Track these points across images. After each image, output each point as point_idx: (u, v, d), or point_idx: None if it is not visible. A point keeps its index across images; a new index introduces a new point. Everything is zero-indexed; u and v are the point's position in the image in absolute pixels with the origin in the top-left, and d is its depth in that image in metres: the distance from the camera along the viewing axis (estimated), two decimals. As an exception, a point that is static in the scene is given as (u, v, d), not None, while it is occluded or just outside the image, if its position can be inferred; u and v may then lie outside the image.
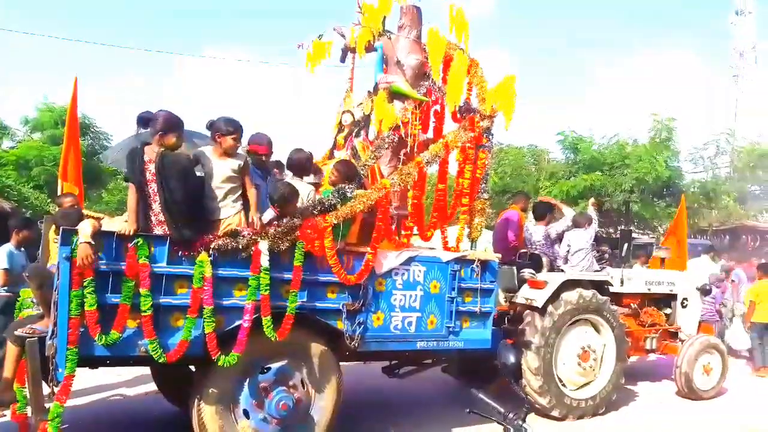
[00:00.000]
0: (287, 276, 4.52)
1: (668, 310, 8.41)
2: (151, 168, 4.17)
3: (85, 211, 5.28)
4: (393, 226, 5.83)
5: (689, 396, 7.70)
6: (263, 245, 4.30)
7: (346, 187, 4.81)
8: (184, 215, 4.19)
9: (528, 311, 6.62)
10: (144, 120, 4.53)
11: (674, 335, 8.33)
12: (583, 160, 19.43)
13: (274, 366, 4.68)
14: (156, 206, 4.17)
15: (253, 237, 4.32)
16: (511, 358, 3.00)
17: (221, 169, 4.47)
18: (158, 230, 4.17)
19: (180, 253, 4.18)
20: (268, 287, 4.32)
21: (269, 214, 4.59)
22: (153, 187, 4.17)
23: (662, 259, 8.86)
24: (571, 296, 6.55)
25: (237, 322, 4.32)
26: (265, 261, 4.28)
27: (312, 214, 4.60)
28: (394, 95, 5.69)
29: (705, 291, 8.54)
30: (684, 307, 8.40)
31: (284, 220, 4.49)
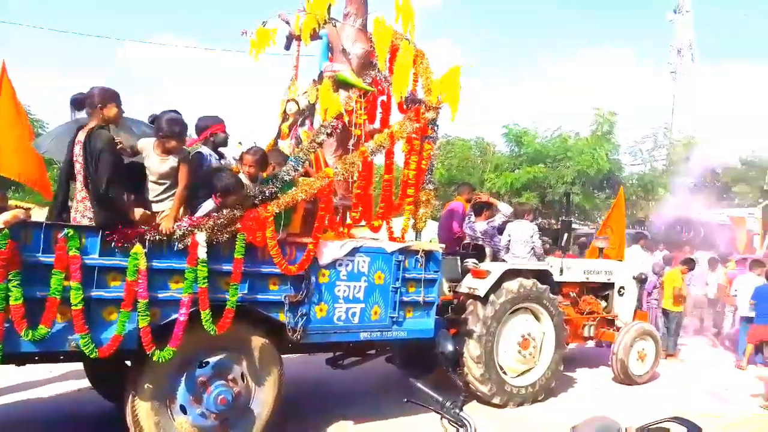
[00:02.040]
0: (227, 268, 4.42)
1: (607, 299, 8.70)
2: (77, 150, 4.03)
3: (13, 202, 5.04)
4: (338, 217, 5.81)
5: (625, 381, 7.98)
6: (200, 237, 4.19)
7: (283, 171, 4.73)
8: (107, 196, 4.02)
9: (471, 300, 6.70)
10: (78, 101, 4.36)
11: (611, 323, 8.60)
12: (527, 153, 19.82)
13: (213, 360, 4.58)
14: (82, 193, 4.03)
15: (190, 228, 4.19)
16: (449, 347, 3.01)
17: (161, 167, 4.40)
18: (85, 220, 4.02)
19: (113, 244, 4.03)
20: (205, 280, 4.22)
21: (209, 204, 4.46)
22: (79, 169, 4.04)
23: (600, 249, 9.13)
24: (511, 285, 6.67)
25: (173, 316, 4.20)
26: (202, 253, 4.18)
27: (253, 205, 4.50)
28: (340, 84, 5.61)
29: (641, 280, 8.84)
30: (621, 295, 8.69)
31: (225, 211, 4.39)
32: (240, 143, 5.37)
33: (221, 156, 5.18)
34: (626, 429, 3.15)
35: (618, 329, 8.35)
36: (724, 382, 8.40)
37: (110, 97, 4.25)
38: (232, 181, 4.49)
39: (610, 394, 7.62)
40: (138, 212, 4.36)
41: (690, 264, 10.44)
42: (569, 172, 18.59)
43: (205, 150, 4.90)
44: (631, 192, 20.45)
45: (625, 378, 7.95)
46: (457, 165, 21.71)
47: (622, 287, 8.69)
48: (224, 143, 5.16)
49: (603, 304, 8.66)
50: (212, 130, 5.06)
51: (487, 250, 7.49)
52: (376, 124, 6.20)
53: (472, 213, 7.83)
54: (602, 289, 8.70)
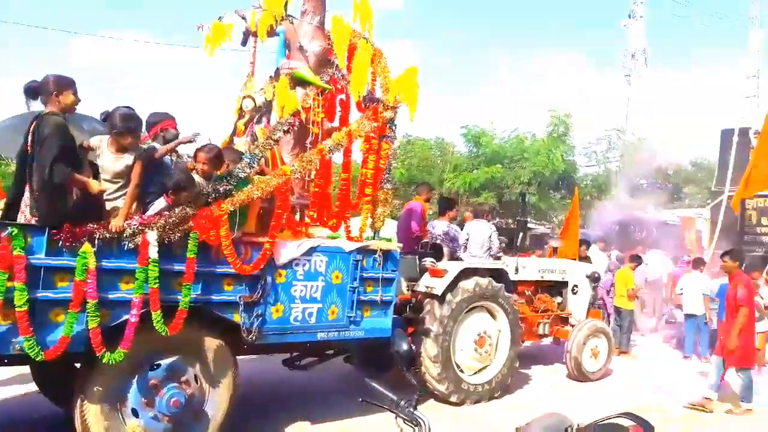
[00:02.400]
0: (180, 268, 4.33)
1: (560, 297, 8.86)
2: (30, 139, 3.90)
3: None
4: (296, 215, 5.77)
5: (579, 378, 8.14)
6: (151, 236, 4.09)
7: (238, 168, 4.66)
8: (50, 184, 3.86)
9: (428, 299, 6.73)
10: (32, 90, 4.18)
11: (565, 320, 8.77)
12: (485, 154, 20.07)
13: (165, 362, 4.48)
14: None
15: (141, 227, 4.09)
16: (404, 346, 3.01)
17: (115, 165, 4.29)
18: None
19: (61, 243, 3.90)
20: (157, 280, 4.13)
21: (161, 203, 4.37)
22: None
23: (554, 248, 9.30)
24: (468, 284, 6.73)
25: (124, 317, 4.09)
26: (153, 252, 4.09)
27: (207, 203, 4.42)
28: (297, 82, 5.56)
29: (594, 278, 9.04)
30: (574, 293, 8.87)
31: (177, 210, 4.30)
32: (209, 139, 5.26)
33: (175, 153, 5.08)
34: (578, 425, 3.21)
35: (572, 326, 8.51)
36: (674, 378, 8.65)
37: (66, 84, 4.11)
38: (183, 177, 4.40)
39: (564, 391, 7.77)
40: (95, 185, 4.18)
41: (638, 261, 10.74)
42: (525, 172, 18.91)
43: (157, 147, 4.79)
44: (585, 192, 20.91)
45: (579, 375, 8.12)
46: (417, 164, 21.85)
47: (576, 286, 8.87)
48: (175, 140, 5.06)
49: (558, 301, 8.82)
50: (162, 125, 4.97)
51: (445, 250, 7.56)
52: (335, 123, 6.18)
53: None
54: (557, 288, 8.86)
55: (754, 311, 7.23)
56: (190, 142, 4.93)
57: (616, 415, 3.31)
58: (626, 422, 3.21)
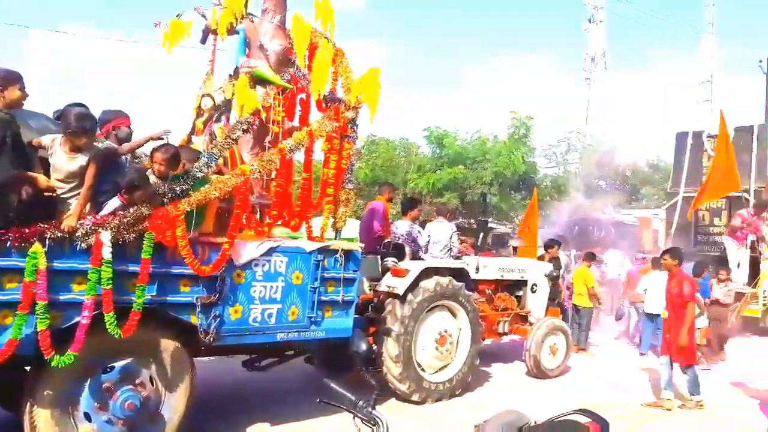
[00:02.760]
0: (134, 269, 4.25)
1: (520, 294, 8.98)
2: None
3: None
4: (256, 215, 5.71)
5: (538, 375, 8.26)
6: (105, 236, 4.00)
7: (195, 168, 4.59)
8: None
9: (390, 299, 6.75)
10: None
11: (525, 318, 8.89)
12: (447, 155, 20.24)
13: (119, 364, 4.39)
14: None
15: (94, 227, 4.00)
16: (363, 346, 3.02)
17: (69, 165, 4.16)
18: None
19: (8, 243, 3.78)
20: (110, 281, 4.03)
21: (115, 202, 4.27)
22: None
23: (514, 248, 9.42)
24: (428, 284, 6.77)
25: (76, 319, 3.99)
26: (106, 252, 3.99)
27: (162, 202, 4.34)
28: (257, 80, 5.51)
29: (553, 277, 9.19)
30: (533, 292, 9.00)
31: (132, 210, 4.21)
32: (167, 138, 5.15)
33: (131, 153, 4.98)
34: (534, 422, 3.26)
35: (531, 324, 8.64)
36: (630, 375, 8.85)
37: (13, 78, 3.98)
38: (137, 177, 4.31)
39: (523, 388, 7.88)
40: (43, 180, 4.08)
41: (593, 258, 10.99)
42: (487, 173, 19.14)
43: (112, 146, 4.68)
44: (545, 193, 21.27)
45: (538, 372, 8.24)
46: (382, 165, 21.90)
47: (535, 284, 9.01)
48: (128, 138, 4.97)
49: (517, 300, 8.94)
50: (115, 123, 4.86)
51: (407, 250, 7.57)
52: (295, 122, 6.14)
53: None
54: (516, 287, 8.98)
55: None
56: (160, 138, 4.84)
57: (571, 412, 3.37)
58: (582, 419, 3.27)
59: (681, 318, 6.97)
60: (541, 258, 9.86)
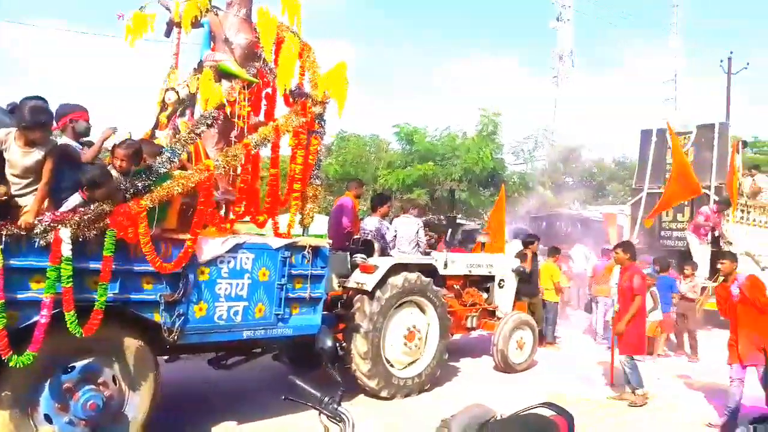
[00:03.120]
0: (96, 266, 4.15)
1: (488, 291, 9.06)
2: None
3: None
4: (221, 211, 5.63)
5: (505, 369, 8.34)
6: (64, 233, 3.89)
7: (157, 163, 4.50)
8: None
9: (358, 296, 6.74)
10: None
11: (492, 313, 8.96)
12: (417, 151, 20.29)
13: (80, 364, 4.30)
14: None
15: (53, 224, 3.89)
16: (329, 343, 3.00)
17: (24, 160, 4.04)
18: None
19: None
20: (70, 279, 3.93)
21: (75, 199, 4.17)
22: None
23: (482, 244, 9.49)
24: (397, 280, 6.77)
25: (34, 318, 3.88)
26: (66, 250, 3.89)
27: (124, 199, 4.25)
28: (222, 74, 5.42)
29: (519, 272, 9.28)
30: (501, 287, 9.09)
31: (93, 206, 4.11)
32: (129, 134, 5.04)
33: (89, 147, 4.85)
34: (501, 415, 3.29)
35: (499, 319, 8.71)
36: (597, 368, 8.99)
37: None
38: (99, 173, 4.21)
39: (491, 382, 7.95)
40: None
41: (557, 252, 11.13)
42: (456, 169, 19.24)
43: (65, 140, 4.56)
44: (513, 190, 21.49)
45: (506, 366, 8.32)
46: (352, 161, 21.86)
47: (502, 279, 9.09)
48: (86, 133, 4.85)
49: (485, 295, 9.01)
50: (72, 116, 4.73)
51: (376, 245, 7.56)
52: (261, 117, 6.06)
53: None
54: (484, 282, 9.05)
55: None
56: (109, 137, 4.73)
57: (537, 405, 3.42)
58: (547, 412, 3.32)
59: (626, 310, 7.09)
60: (522, 255, 9.88)
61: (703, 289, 12.23)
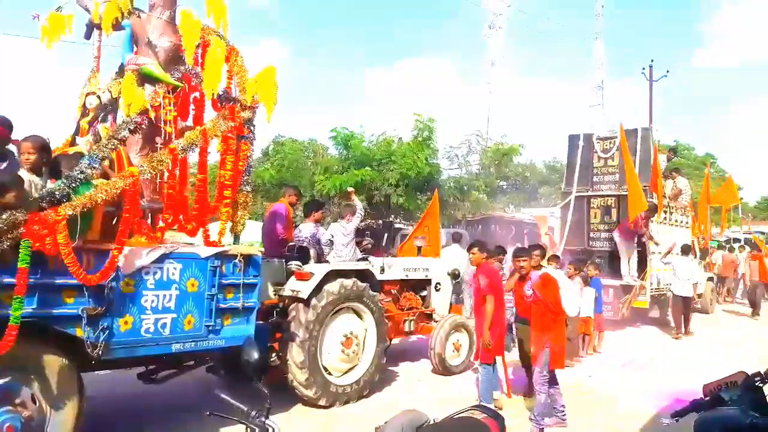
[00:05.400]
0: (10, 280, 3.91)
1: (425, 293, 9.11)
2: None
3: None
4: (148, 220, 5.44)
5: (443, 372, 8.40)
6: (-29, 245, 3.65)
7: (76, 170, 4.29)
8: None
9: (294, 304, 6.64)
10: None
11: (430, 317, 9.03)
12: (354, 156, 20.28)
13: (-5, 383, 4.03)
14: None
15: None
16: (254, 355, 2.92)
17: None
18: None
19: None
20: (-20, 293, 3.70)
21: (-16, 208, 3.92)
22: None
23: (419, 248, 9.55)
24: (333, 287, 6.71)
25: (-59, 337, 3.63)
26: (-26, 263, 3.65)
27: (40, 207, 4.02)
28: (145, 78, 5.25)
29: (455, 275, 9.39)
30: (437, 290, 9.16)
31: (4, 215, 3.87)
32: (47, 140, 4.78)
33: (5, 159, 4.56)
34: (434, 420, 3.31)
35: (436, 322, 8.78)
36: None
37: None
38: (8, 178, 3.97)
39: (429, 385, 7.99)
40: None
41: (502, 252, 11.27)
42: (393, 174, 19.34)
43: None
44: (448, 194, 21.79)
45: (443, 369, 8.38)
46: (288, 166, 21.64)
47: (439, 283, 9.17)
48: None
49: (422, 298, 9.06)
50: None
51: (312, 252, 7.49)
52: (190, 122, 5.90)
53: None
54: (420, 285, 9.10)
55: (502, 300, 6.91)
56: None
57: (468, 408, 3.46)
58: (479, 414, 3.37)
59: (482, 314, 6.74)
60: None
61: (632, 287, 12.76)
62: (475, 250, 7.01)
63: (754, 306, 16.78)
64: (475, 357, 6.82)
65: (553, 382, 6.27)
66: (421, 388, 7.80)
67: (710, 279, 16.93)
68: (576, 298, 6.84)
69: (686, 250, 13.39)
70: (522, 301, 6.67)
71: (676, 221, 14.77)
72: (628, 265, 13.04)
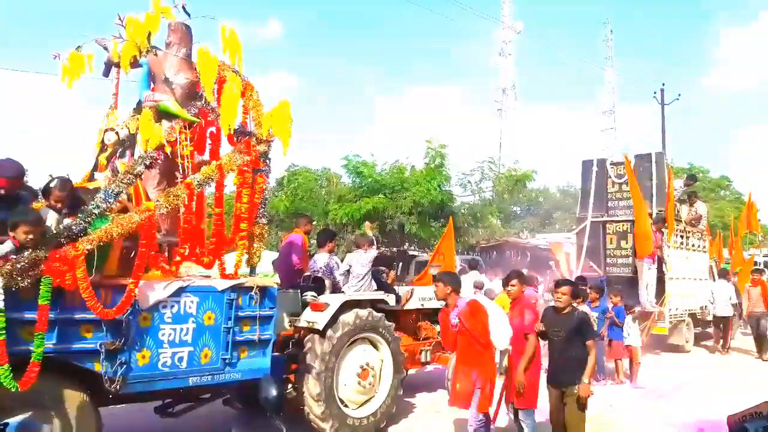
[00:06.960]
0: (31, 316, 3.95)
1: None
2: None
3: None
4: (165, 254, 5.47)
5: (460, 403, 8.26)
6: (-6, 283, 3.70)
7: (92, 205, 4.35)
8: None
9: (309, 335, 6.62)
10: None
11: (446, 347, 8.91)
12: (367, 184, 20.33)
13: (15, 420, 4.05)
14: None
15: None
16: (273, 392, 2.92)
17: None
18: None
19: None
20: (3, 331, 3.73)
21: (6, 246, 3.98)
22: None
23: (434, 276, 9.48)
24: (348, 317, 6.69)
25: (-36, 374, 3.65)
26: (-3, 301, 3.69)
27: (60, 243, 4.08)
28: (162, 114, 5.34)
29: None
30: (454, 320, 9.06)
31: (26, 252, 3.93)
32: (51, 176, 4.87)
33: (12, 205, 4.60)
34: None
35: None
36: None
37: None
38: (30, 217, 4.05)
39: (446, 416, 7.86)
40: None
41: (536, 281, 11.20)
42: (406, 202, 19.33)
43: None
44: (462, 221, 21.73)
45: (460, 399, 8.24)
46: (302, 196, 21.75)
47: (455, 312, 9.07)
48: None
49: (438, 328, 8.97)
50: None
51: (327, 283, 7.48)
52: (206, 156, 5.98)
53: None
54: (437, 315, 9.01)
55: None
56: None
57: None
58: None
59: (521, 353, 5.80)
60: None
61: (650, 313, 12.58)
62: (515, 281, 6.18)
63: (761, 344, 13.48)
64: (508, 398, 6.11)
65: (488, 425, 5.64)
66: (439, 420, 7.69)
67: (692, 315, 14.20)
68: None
69: (723, 274, 13.75)
70: (446, 332, 5.89)
71: (692, 246, 14.60)
72: (646, 290, 12.87)
